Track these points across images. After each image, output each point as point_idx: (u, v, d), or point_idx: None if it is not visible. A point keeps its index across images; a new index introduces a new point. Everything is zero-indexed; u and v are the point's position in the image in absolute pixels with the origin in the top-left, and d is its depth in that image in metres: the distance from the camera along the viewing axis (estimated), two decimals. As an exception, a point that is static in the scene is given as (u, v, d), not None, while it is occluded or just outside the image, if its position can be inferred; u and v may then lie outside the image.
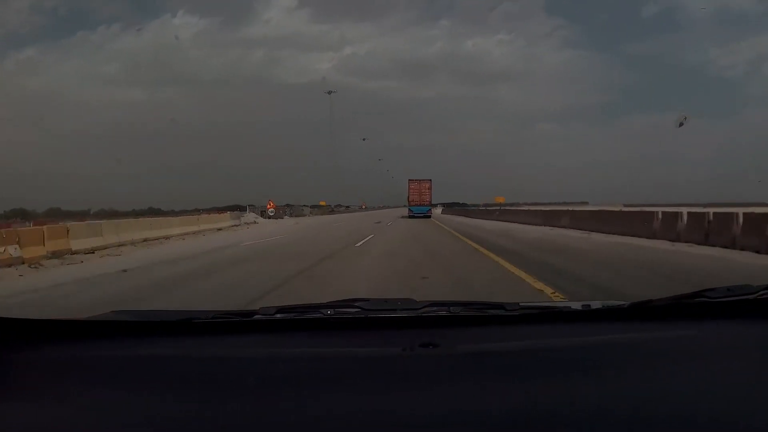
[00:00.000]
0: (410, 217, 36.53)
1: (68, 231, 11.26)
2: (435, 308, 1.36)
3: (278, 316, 1.33)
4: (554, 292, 5.39)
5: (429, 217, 36.98)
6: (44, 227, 11.19)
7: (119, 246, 12.49)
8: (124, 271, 8.06)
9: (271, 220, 34.81)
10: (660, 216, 12.55)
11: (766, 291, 1.28)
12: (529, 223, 22.02)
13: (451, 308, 1.37)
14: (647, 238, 12.05)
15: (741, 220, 9.80)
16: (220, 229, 21.08)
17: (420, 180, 40.19)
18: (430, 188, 39.63)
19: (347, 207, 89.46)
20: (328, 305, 1.40)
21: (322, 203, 70.21)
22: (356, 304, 1.38)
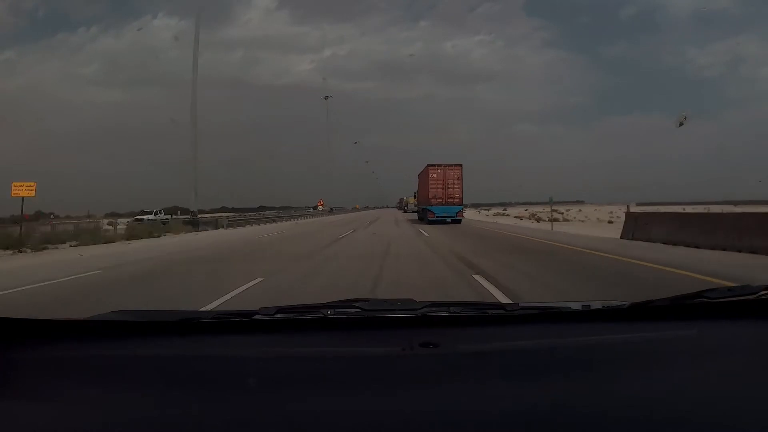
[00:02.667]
0: (429, 223, 24.49)
1: None
2: (435, 308, 1.36)
3: (278, 316, 1.33)
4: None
5: (459, 221, 25.18)
6: None
7: None
8: None
9: None
10: None
11: (766, 291, 1.29)
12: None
13: (451, 308, 1.37)
14: None
15: None
16: None
17: (446, 165, 25.89)
18: (460, 178, 25.63)
19: (314, 208, 64.28)
20: (328, 305, 1.40)
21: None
22: (356, 305, 1.38)
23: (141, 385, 1.02)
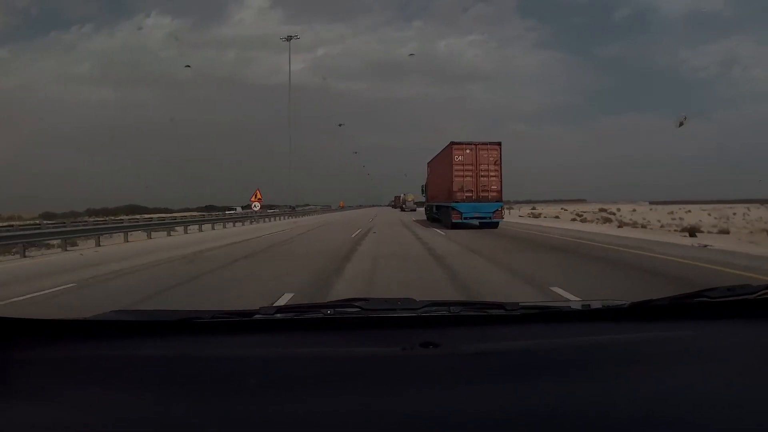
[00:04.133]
0: (453, 227, 17.38)
1: None
2: (435, 308, 1.36)
3: (278, 316, 1.33)
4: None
5: (496, 225, 18.00)
6: None
7: None
8: None
9: None
10: None
11: (766, 291, 1.29)
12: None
13: (451, 308, 1.37)
14: None
15: None
16: None
17: (479, 144, 18.03)
18: (498, 164, 17.87)
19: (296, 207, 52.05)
20: (328, 305, 1.40)
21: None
22: (356, 304, 1.37)
23: (141, 385, 1.02)
